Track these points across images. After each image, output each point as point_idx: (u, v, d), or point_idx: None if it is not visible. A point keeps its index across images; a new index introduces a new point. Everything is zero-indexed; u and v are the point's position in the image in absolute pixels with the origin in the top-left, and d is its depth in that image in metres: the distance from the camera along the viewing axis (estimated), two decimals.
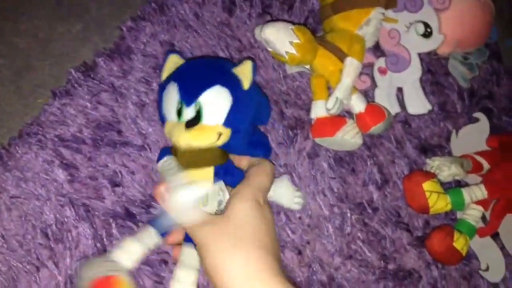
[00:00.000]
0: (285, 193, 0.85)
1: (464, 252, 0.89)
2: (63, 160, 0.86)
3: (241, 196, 0.68)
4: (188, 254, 0.78)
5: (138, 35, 0.97)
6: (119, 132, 0.89)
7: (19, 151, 0.85)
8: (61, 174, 0.85)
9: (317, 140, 0.95)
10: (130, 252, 0.74)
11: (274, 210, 0.88)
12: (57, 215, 0.82)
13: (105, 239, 0.82)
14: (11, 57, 0.95)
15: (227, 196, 0.77)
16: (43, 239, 0.81)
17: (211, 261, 0.62)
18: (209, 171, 0.78)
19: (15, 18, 0.99)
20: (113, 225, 0.83)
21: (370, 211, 0.93)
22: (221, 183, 0.80)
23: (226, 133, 0.75)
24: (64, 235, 0.81)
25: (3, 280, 0.78)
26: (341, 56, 0.93)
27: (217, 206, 0.77)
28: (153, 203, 0.85)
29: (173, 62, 0.80)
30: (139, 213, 0.84)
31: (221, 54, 0.99)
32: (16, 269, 0.78)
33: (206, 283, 0.83)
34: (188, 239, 0.80)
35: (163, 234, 0.79)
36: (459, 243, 0.88)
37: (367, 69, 1.03)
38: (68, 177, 0.85)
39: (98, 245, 0.81)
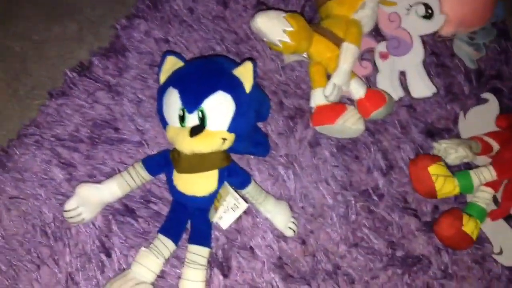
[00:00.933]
0: (282, 217, 0.88)
1: (474, 236, 0.89)
2: (60, 160, 0.89)
3: None
4: (196, 253, 0.81)
5: (132, 33, 1.01)
6: (116, 129, 0.93)
7: (17, 152, 0.89)
8: (59, 173, 0.88)
9: (318, 128, 0.97)
10: (149, 266, 0.78)
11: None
12: (56, 214, 0.85)
13: (104, 236, 0.85)
14: (7, 61, 1.00)
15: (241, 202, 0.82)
16: (43, 237, 0.84)
17: None
18: (214, 173, 0.82)
19: (9, 21, 1.03)
20: (113, 221, 0.86)
21: (375, 198, 0.95)
22: (226, 185, 0.83)
23: (231, 138, 0.79)
24: (63, 233, 0.85)
25: (4, 279, 0.81)
26: (337, 42, 0.95)
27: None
28: (151, 198, 0.88)
29: (171, 63, 0.83)
30: (138, 208, 0.87)
31: (217, 48, 1.02)
32: (17, 268, 0.82)
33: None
34: (193, 237, 0.83)
35: (177, 241, 0.83)
36: (469, 226, 0.89)
37: (368, 55, 1.05)
38: (67, 176, 0.88)
39: (97, 242, 0.84)
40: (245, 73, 0.79)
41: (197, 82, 0.78)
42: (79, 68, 0.97)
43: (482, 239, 0.95)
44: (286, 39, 0.89)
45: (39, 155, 0.89)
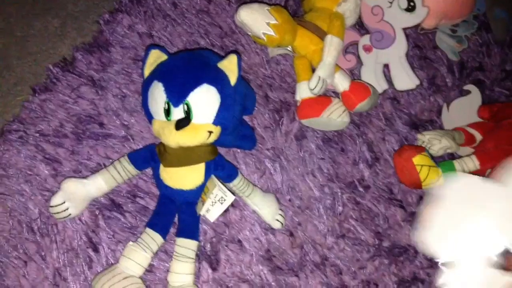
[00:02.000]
0: (269, 209, 0.90)
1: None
2: (45, 155, 0.90)
3: None
4: (184, 246, 0.82)
5: (115, 27, 1.02)
6: (101, 124, 0.93)
7: (1, 149, 0.89)
8: (44, 169, 0.89)
9: (304, 121, 0.98)
10: (137, 260, 0.79)
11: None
12: (42, 210, 0.86)
13: (92, 231, 0.86)
14: None
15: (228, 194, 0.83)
16: (29, 233, 0.85)
17: None
18: (200, 167, 0.83)
19: None
20: (100, 216, 0.86)
21: (361, 189, 0.97)
22: (213, 178, 0.84)
23: (216, 131, 0.80)
24: (50, 229, 0.85)
25: None
26: (321, 35, 0.97)
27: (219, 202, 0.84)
28: (138, 192, 0.89)
29: (155, 57, 0.83)
30: (125, 203, 0.88)
31: (202, 42, 1.03)
32: (4, 264, 0.82)
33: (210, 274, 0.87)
34: (181, 230, 0.84)
35: (165, 234, 0.84)
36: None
37: (352, 48, 1.07)
38: (52, 172, 0.89)
39: (85, 237, 0.85)
40: (230, 66, 0.80)
41: (182, 75, 0.78)
42: (62, 63, 0.97)
43: None
44: (270, 32, 0.90)
45: (24, 151, 0.89)
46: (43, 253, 0.84)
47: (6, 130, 0.91)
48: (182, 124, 0.76)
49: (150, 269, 0.84)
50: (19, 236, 0.84)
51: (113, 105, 0.95)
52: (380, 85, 1.04)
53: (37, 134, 0.91)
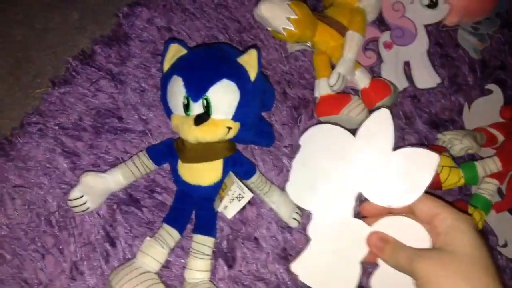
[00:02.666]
0: (286, 207, 0.90)
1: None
2: (64, 148, 0.91)
3: (462, 230, 0.58)
4: (201, 243, 0.83)
5: (134, 21, 1.03)
6: (120, 118, 0.94)
7: (21, 141, 0.91)
8: (63, 162, 0.90)
9: (322, 119, 0.98)
10: (154, 256, 0.80)
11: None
12: (61, 203, 0.87)
13: (109, 225, 0.87)
14: (9, 49, 1.01)
15: (246, 191, 0.83)
16: (47, 226, 0.86)
17: None
18: (218, 163, 0.84)
19: (10, 9, 1.05)
20: (117, 211, 0.88)
21: None
22: (231, 175, 0.85)
23: (235, 127, 0.80)
24: (68, 223, 0.86)
25: (9, 268, 0.83)
26: (342, 31, 0.97)
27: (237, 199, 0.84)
28: (156, 188, 0.90)
29: (174, 51, 0.83)
30: (143, 198, 0.89)
31: (220, 37, 1.04)
32: (21, 257, 0.84)
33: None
34: (198, 227, 0.85)
35: (182, 230, 0.85)
36: (474, 218, 0.91)
37: (372, 44, 1.07)
38: (70, 165, 0.90)
39: (102, 231, 0.86)
40: (250, 61, 0.80)
41: (201, 70, 0.79)
42: (81, 56, 0.99)
43: (487, 232, 0.97)
44: (290, 27, 0.90)
45: (43, 144, 0.91)
46: (60, 247, 0.85)
47: (26, 122, 0.92)
48: (201, 119, 0.76)
49: (166, 265, 0.85)
50: (37, 229, 0.86)
51: (131, 99, 0.96)
52: (400, 83, 1.04)
53: (56, 127, 0.92)
